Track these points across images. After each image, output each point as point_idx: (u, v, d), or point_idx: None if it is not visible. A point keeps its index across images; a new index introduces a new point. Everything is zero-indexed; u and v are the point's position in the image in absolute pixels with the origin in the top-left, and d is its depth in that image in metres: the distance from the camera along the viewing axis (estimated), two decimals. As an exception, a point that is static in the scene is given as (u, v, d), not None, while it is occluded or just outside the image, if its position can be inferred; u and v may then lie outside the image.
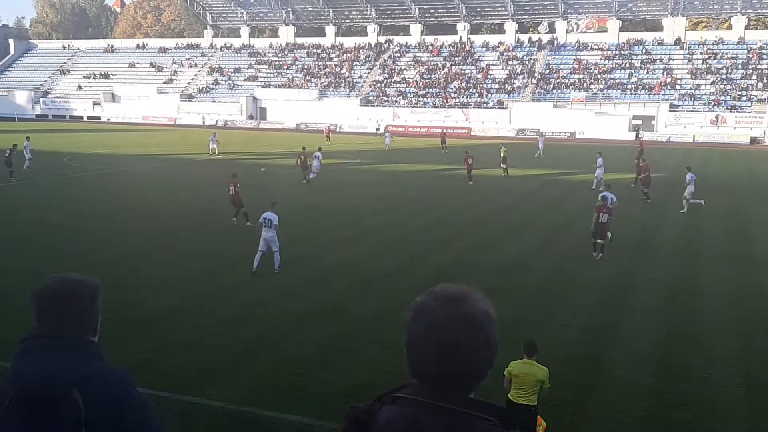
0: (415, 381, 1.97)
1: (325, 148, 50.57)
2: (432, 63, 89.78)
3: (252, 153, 48.92)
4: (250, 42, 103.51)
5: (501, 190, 32.13)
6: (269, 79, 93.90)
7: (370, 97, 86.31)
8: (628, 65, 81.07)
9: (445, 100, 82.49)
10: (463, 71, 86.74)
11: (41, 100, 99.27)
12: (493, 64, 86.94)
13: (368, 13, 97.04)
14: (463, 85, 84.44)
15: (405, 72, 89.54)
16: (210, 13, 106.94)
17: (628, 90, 77.38)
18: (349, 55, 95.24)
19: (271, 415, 9.33)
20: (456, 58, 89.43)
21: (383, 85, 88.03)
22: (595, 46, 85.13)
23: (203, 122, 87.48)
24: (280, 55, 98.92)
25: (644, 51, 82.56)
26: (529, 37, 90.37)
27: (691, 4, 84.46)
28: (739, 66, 76.73)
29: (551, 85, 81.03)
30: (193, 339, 12.08)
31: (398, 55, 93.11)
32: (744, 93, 73.24)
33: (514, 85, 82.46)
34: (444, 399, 1.90)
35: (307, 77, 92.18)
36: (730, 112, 71.22)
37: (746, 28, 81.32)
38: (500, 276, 16.64)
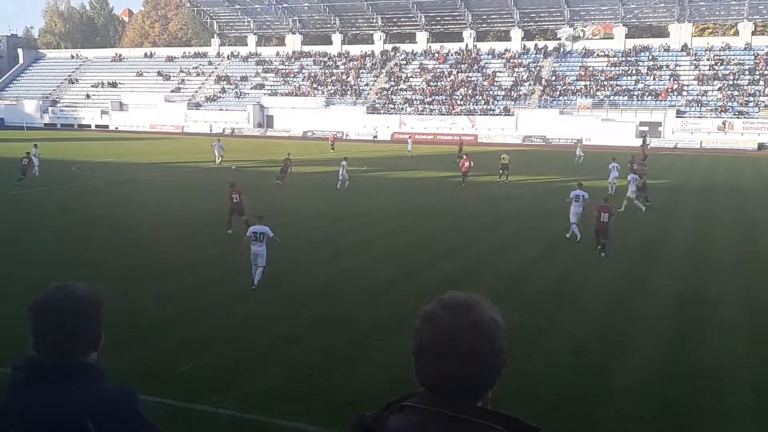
0: (423, 389, 1.95)
1: (329, 156, 50.78)
2: (438, 70, 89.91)
3: (258, 161, 49.04)
4: (256, 50, 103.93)
5: (508, 196, 32.08)
6: (276, 87, 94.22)
7: (377, 105, 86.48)
8: (634, 72, 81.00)
9: (451, 108, 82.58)
10: (469, 78, 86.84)
11: (50, 109, 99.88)
12: (500, 71, 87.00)
13: (374, 21, 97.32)
14: (470, 92, 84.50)
15: (411, 79, 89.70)
16: (217, 22, 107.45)
17: (634, 96, 77.29)
18: (355, 62, 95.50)
19: (278, 422, 9.30)
20: (462, 66, 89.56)
21: (389, 92, 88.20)
22: (602, 53, 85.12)
23: (210, 130, 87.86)
24: (286, 63, 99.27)
25: (651, 57, 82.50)
26: (535, 44, 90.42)
27: (697, 10, 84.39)
28: (746, 72, 76.57)
29: (557, 92, 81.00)
30: (199, 346, 12.07)
31: (404, 62, 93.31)
32: (751, 99, 73.04)
33: (521, 92, 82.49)
34: (452, 408, 1.88)
35: (314, 85, 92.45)
36: (738, 118, 71.04)
37: (753, 33, 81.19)
38: (506, 282, 16.59)
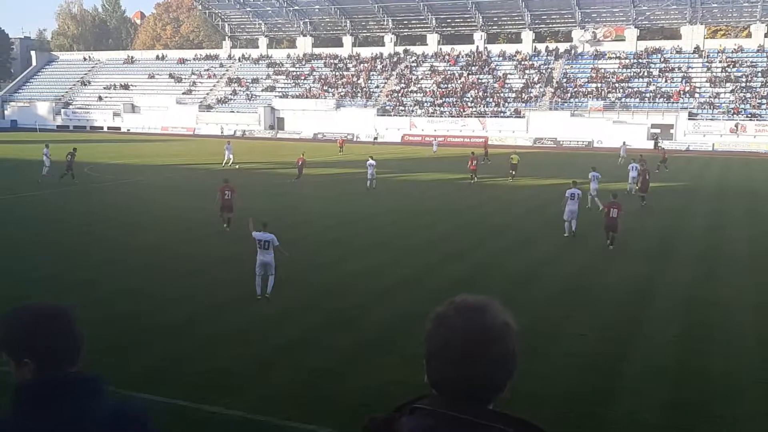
0: (434, 392, 1.97)
1: (337, 158, 50.84)
2: (449, 72, 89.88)
3: (271, 163, 49.15)
4: (268, 53, 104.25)
5: (519, 198, 32.03)
6: (287, 90, 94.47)
7: (387, 107, 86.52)
8: (646, 74, 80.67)
9: (462, 110, 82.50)
10: (480, 80, 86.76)
11: (62, 110, 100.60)
12: (510, 73, 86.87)
13: (385, 23, 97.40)
14: (480, 94, 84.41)
15: (422, 81, 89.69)
16: (228, 25, 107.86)
17: (646, 99, 76.97)
18: (366, 65, 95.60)
19: (288, 424, 9.32)
20: (473, 68, 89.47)
21: (400, 94, 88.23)
22: (613, 55, 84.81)
23: (222, 132, 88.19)
24: (297, 65, 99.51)
25: (662, 59, 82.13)
26: (546, 46, 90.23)
27: (709, 12, 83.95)
28: (759, 74, 76.08)
29: (569, 94, 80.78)
30: (209, 348, 12.11)
31: (415, 64, 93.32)
32: (764, 101, 72.58)
33: (531, 94, 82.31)
34: (463, 410, 1.89)
35: (325, 87, 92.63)
36: (750, 120, 70.60)
37: (766, 35, 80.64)
38: (516, 285, 16.56)
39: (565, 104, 79.35)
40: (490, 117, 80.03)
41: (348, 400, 10.00)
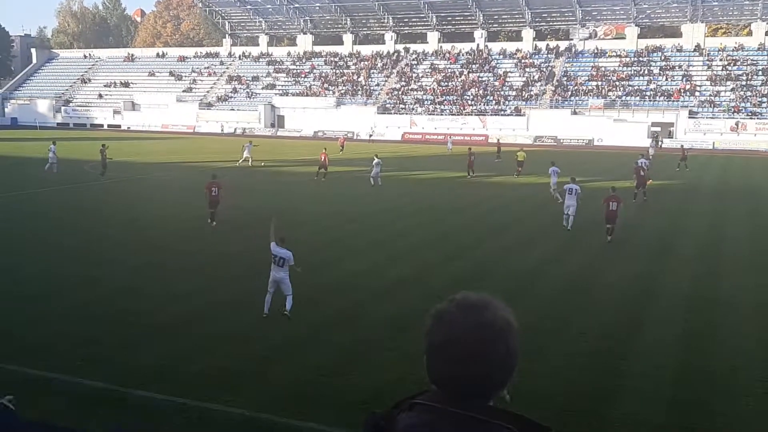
0: (434, 388, 1.96)
1: (338, 157, 50.77)
2: (449, 70, 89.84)
3: (276, 161, 49.12)
4: (268, 50, 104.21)
5: (520, 197, 32.01)
6: (287, 87, 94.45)
7: (388, 105, 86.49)
8: (646, 72, 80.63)
9: (462, 108, 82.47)
10: (480, 78, 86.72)
11: (62, 108, 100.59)
12: (511, 72, 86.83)
13: (385, 21, 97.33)
14: (481, 92, 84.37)
15: (422, 79, 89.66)
16: (229, 22, 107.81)
17: (646, 97, 76.92)
18: (366, 63, 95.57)
19: (289, 422, 9.33)
20: (473, 66, 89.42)
21: (400, 92, 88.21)
22: (614, 53, 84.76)
23: (222, 130, 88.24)
24: (298, 63, 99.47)
25: (663, 58, 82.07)
26: (547, 44, 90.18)
27: (710, 10, 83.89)
28: (760, 72, 76.04)
29: (569, 92, 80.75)
30: (210, 346, 12.12)
31: (415, 62, 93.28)
32: (764, 99, 72.55)
33: (532, 92, 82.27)
34: (463, 407, 1.89)
35: (325, 85, 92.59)
36: (750, 118, 70.57)
37: (766, 34, 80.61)
38: (517, 283, 16.56)
39: (566, 102, 79.32)
40: (491, 115, 79.99)
41: (348, 397, 10.00)
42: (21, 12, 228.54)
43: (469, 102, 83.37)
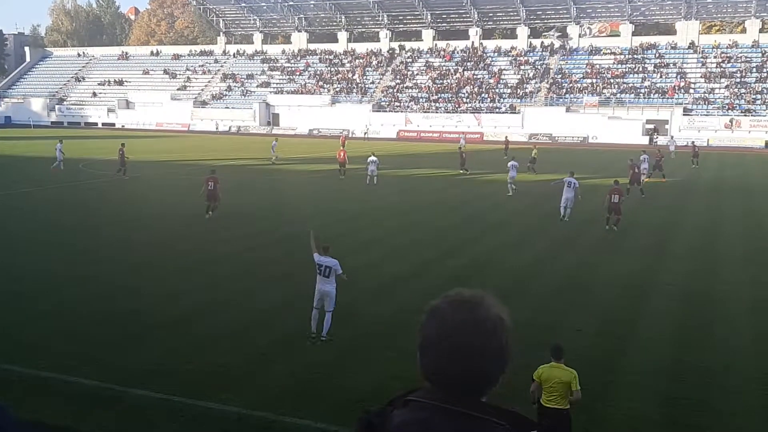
0: (427, 384, 1.97)
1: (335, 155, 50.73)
2: (444, 68, 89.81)
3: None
4: (262, 48, 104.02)
5: (515, 194, 32.00)
6: (282, 85, 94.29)
7: (383, 103, 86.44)
8: (641, 69, 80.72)
9: (457, 105, 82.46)
10: (475, 76, 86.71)
11: (56, 107, 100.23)
12: (506, 69, 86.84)
13: (380, 19, 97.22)
14: (476, 90, 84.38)
15: (417, 77, 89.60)
16: (223, 20, 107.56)
17: (641, 94, 77.02)
18: (361, 60, 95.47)
19: (284, 420, 9.34)
20: (468, 63, 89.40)
21: (395, 90, 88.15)
22: (608, 51, 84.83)
23: (216, 128, 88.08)
24: (292, 61, 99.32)
25: (657, 55, 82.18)
26: (542, 42, 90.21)
27: (704, 7, 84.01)
28: (754, 69, 76.21)
29: (564, 90, 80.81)
30: (206, 344, 12.12)
31: (410, 60, 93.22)
32: (758, 97, 72.71)
33: (527, 90, 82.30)
34: (456, 403, 1.89)
35: (320, 83, 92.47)
36: (745, 115, 70.72)
37: (760, 31, 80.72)
38: (514, 280, 16.59)
39: (561, 100, 79.36)
40: (486, 113, 79.99)
41: (345, 395, 10.01)
42: (14, 10, 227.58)
43: (464, 100, 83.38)
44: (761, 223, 25.40)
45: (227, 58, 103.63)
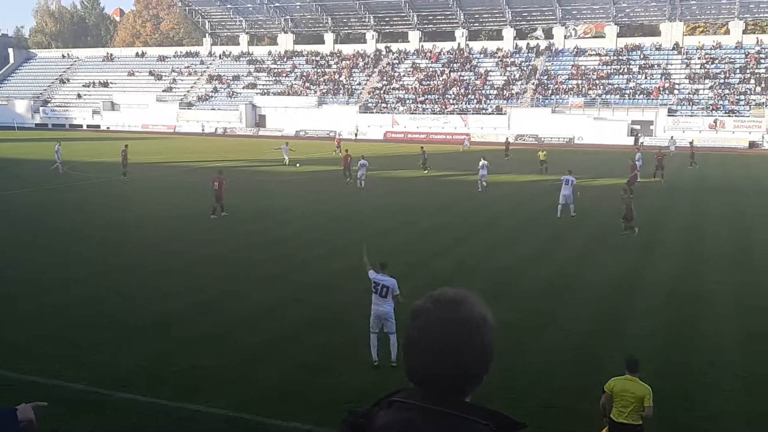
0: (412, 385, 1.97)
1: (331, 156, 50.74)
2: (431, 69, 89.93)
3: (251, 160, 48.93)
4: (248, 50, 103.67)
5: (503, 195, 32.08)
6: (268, 87, 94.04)
7: (369, 104, 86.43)
8: (626, 70, 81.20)
9: (443, 107, 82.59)
10: (461, 77, 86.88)
11: (41, 109, 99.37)
12: (492, 70, 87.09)
13: (367, 20, 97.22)
14: (462, 91, 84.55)
15: (404, 78, 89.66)
16: (209, 22, 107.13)
17: (626, 95, 77.47)
18: (347, 62, 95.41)
19: (272, 422, 9.32)
20: (454, 65, 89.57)
21: (382, 91, 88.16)
22: (593, 52, 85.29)
23: (203, 130, 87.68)
24: (279, 62, 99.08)
25: (642, 56, 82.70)
26: (527, 43, 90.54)
27: (688, 9, 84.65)
28: (737, 70, 76.87)
29: (549, 91, 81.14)
30: (193, 346, 12.07)
31: (397, 61, 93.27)
32: (742, 97, 73.35)
33: (513, 91, 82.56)
34: (440, 403, 1.89)
35: (306, 84, 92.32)
36: (729, 116, 71.30)
37: (744, 32, 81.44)
38: (501, 280, 16.63)
39: (546, 101, 79.68)
40: (472, 114, 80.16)
41: (332, 396, 10.00)
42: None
43: (451, 101, 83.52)
44: (745, 222, 25.60)
45: (213, 60, 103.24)
